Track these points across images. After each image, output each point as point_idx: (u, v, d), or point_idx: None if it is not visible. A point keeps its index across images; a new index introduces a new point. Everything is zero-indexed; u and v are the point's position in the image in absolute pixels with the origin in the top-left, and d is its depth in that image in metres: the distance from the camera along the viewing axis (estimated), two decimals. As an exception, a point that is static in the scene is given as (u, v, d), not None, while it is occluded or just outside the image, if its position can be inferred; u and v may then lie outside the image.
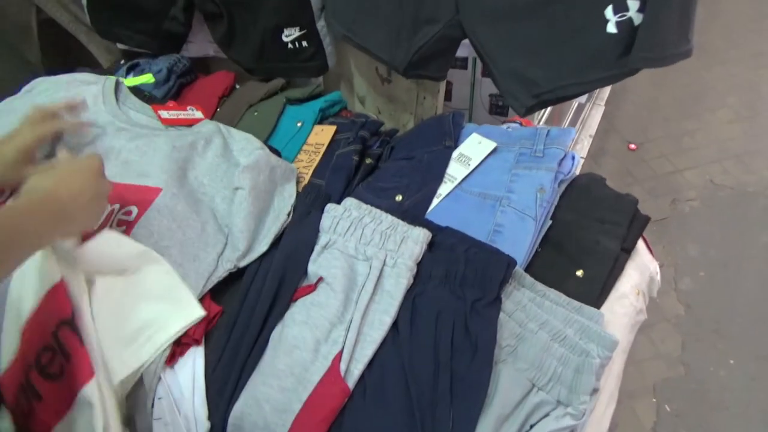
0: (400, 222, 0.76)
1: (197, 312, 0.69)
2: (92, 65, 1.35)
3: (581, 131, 1.69)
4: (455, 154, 0.87)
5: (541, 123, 1.22)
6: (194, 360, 0.69)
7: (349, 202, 0.80)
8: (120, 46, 1.19)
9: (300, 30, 1.02)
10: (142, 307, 0.69)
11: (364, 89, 1.16)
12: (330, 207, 0.79)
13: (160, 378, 0.67)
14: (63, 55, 1.39)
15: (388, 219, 0.77)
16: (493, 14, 0.81)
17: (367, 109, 1.18)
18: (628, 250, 0.77)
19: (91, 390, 0.61)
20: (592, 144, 1.74)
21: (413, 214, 0.80)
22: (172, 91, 1.08)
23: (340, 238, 0.76)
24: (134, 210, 0.77)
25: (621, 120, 2.26)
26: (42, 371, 0.63)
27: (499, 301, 0.67)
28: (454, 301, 0.67)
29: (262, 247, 0.77)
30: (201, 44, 1.19)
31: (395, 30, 0.91)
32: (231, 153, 0.85)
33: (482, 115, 1.18)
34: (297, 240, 0.76)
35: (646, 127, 2.22)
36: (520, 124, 0.93)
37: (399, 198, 0.84)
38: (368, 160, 0.93)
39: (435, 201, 0.83)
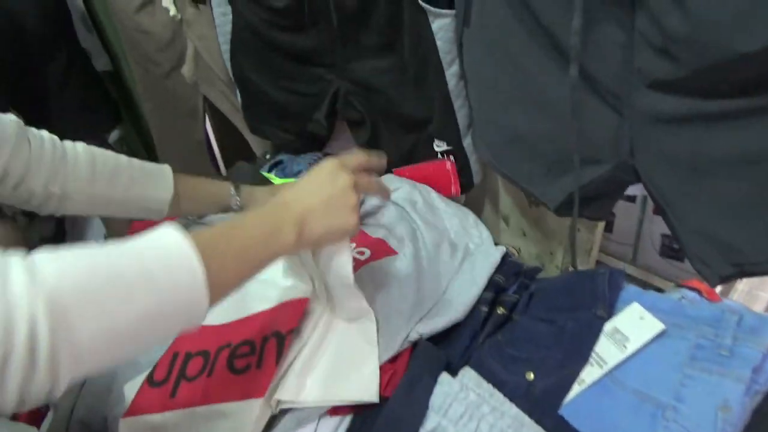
0: (527, 419, 0.62)
1: (372, 397, 0.66)
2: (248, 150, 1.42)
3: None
4: (608, 327, 0.70)
5: (733, 295, 0.98)
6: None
7: (468, 376, 0.68)
8: (270, 138, 1.22)
9: (447, 145, 0.93)
10: (329, 356, 0.69)
11: (509, 208, 1.03)
12: (445, 379, 0.68)
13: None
14: (231, 137, 1.48)
15: (512, 412, 0.63)
16: (680, 164, 0.65)
17: (510, 229, 1.05)
18: None
19: (248, 407, 0.63)
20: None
21: (546, 403, 0.65)
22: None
23: (451, 426, 0.63)
24: (366, 252, 0.80)
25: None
26: (231, 357, 0.67)
27: None
28: None
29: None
30: (345, 142, 1.17)
31: (547, 165, 0.78)
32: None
33: (650, 257, 0.98)
34: (400, 418, 0.66)
35: None
36: (700, 293, 0.74)
37: (530, 376, 0.69)
38: (500, 310, 0.79)
39: (576, 388, 0.67)
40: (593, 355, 0.68)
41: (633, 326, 0.69)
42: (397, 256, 0.81)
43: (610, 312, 0.71)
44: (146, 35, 1.25)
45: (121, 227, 1.75)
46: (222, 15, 1.00)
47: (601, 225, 0.89)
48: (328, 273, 0.68)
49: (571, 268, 0.98)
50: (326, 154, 1.14)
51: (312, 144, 1.13)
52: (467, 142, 0.93)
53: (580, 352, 0.69)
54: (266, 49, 0.99)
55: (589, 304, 0.72)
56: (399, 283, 0.77)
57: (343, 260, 0.66)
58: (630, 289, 0.74)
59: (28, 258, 0.40)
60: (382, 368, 0.69)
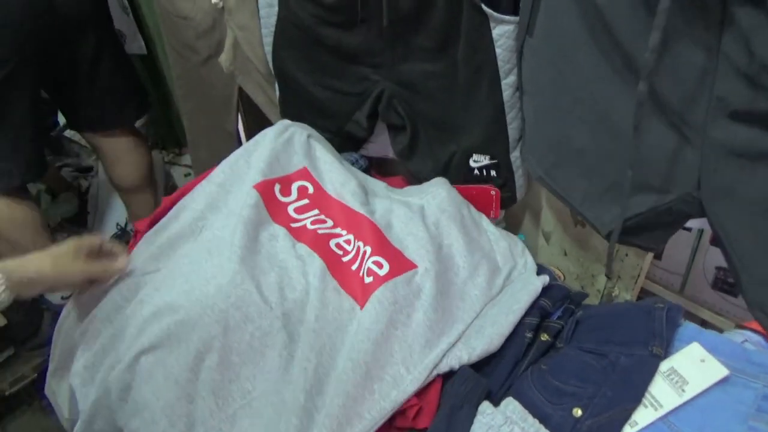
0: (576, 461, 0.57)
1: None
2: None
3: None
4: (664, 367, 0.66)
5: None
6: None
7: (512, 408, 0.64)
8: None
9: (491, 159, 0.89)
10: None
11: (551, 225, 0.99)
12: (487, 410, 0.64)
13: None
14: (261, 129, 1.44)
15: (560, 452, 0.59)
16: (753, 205, 0.60)
17: (551, 248, 1.01)
18: None
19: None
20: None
21: (594, 443, 0.61)
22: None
23: (493, 462, 0.60)
24: (385, 265, 0.74)
25: None
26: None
27: None
28: None
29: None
30: (382, 145, 1.13)
31: (605, 187, 0.73)
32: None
33: (700, 288, 0.93)
34: (439, 449, 0.62)
35: None
36: (766, 338, 0.69)
37: (578, 413, 0.65)
38: (544, 336, 0.75)
39: (627, 430, 0.63)
40: (647, 395, 0.64)
41: (693, 368, 0.64)
42: (417, 270, 0.74)
43: (667, 350, 0.67)
44: (186, 21, 1.22)
45: (144, 214, 1.74)
46: (268, 6, 0.96)
47: (651, 253, 0.85)
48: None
49: (615, 292, 0.94)
50: (362, 156, 1.11)
51: (348, 144, 1.09)
52: (514, 156, 0.89)
53: (634, 391, 0.65)
54: (311, 45, 0.95)
55: (644, 339, 0.68)
56: (422, 305, 0.71)
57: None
58: (688, 326, 0.69)
59: None
60: (406, 403, 0.65)
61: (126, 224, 1.85)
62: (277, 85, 1.09)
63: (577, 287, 0.97)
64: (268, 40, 1.00)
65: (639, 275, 0.87)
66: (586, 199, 0.77)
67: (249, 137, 1.56)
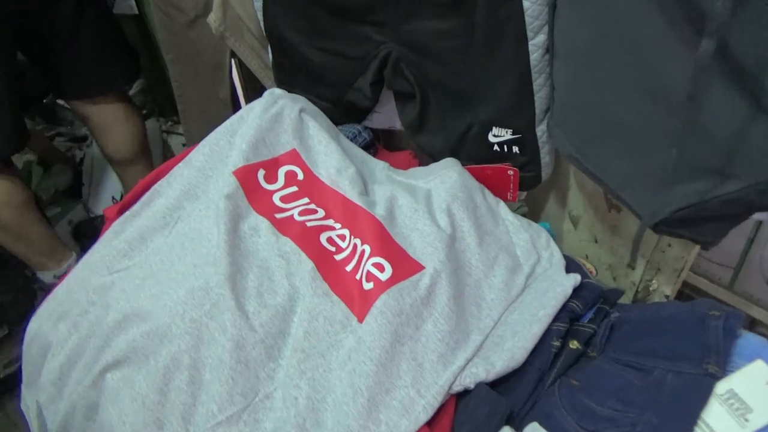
0: None
1: None
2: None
3: None
4: (722, 389, 0.55)
5: None
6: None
7: (538, 436, 0.54)
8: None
9: (513, 134, 0.76)
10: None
11: (581, 209, 0.87)
12: (508, 438, 0.54)
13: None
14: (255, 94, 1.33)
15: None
16: None
17: (578, 234, 0.89)
18: None
19: None
20: None
21: (637, 480, 0.51)
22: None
23: (516, 505, 0.50)
24: (387, 268, 0.63)
25: None
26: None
27: None
28: None
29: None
30: (388, 116, 1.01)
31: (651, 168, 0.61)
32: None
33: (753, 283, 0.81)
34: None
35: None
36: None
37: (617, 442, 0.55)
38: (573, 344, 0.65)
39: (676, 466, 0.52)
40: (701, 424, 0.53)
41: (758, 393, 0.53)
42: (424, 272, 0.63)
43: (725, 367, 0.56)
44: (169, -24, 1.10)
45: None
46: (256, -43, 0.83)
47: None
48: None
49: (653, 286, 0.82)
50: (366, 128, 0.99)
51: (350, 115, 0.97)
52: (540, 130, 0.76)
53: (684, 418, 0.54)
54: (304, 1, 0.82)
55: (696, 354, 0.57)
56: (431, 314, 0.61)
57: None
58: (750, 338, 0.58)
59: None
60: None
61: (122, 197, 1.76)
62: (269, 48, 0.97)
63: (608, 279, 0.86)
64: (257, -4, 0.87)
65: (683, 268, 0.76)
66: (628, 181, 0.65)
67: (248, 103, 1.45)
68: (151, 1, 1.25)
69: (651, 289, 0.81)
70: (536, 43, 0.67)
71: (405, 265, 0.64)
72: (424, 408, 0.55)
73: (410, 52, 0.79)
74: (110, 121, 1.45)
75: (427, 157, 0.91)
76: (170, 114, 2.00)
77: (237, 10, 1.04)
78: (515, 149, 0.78)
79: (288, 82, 0.99)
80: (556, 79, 0.69)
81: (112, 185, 1.83)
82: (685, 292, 0.83)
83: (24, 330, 0.73)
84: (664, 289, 0.79)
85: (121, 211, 0.76)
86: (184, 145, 1.91)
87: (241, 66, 1.21)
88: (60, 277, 1.53)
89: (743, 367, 0.55)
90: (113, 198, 1.79)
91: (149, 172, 1.64)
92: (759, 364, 0.55)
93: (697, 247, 0.74)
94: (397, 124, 1.02)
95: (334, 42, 0.86)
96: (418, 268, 0.64)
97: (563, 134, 0.71)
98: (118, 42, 1.38)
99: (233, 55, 1.19)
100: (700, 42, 0.50)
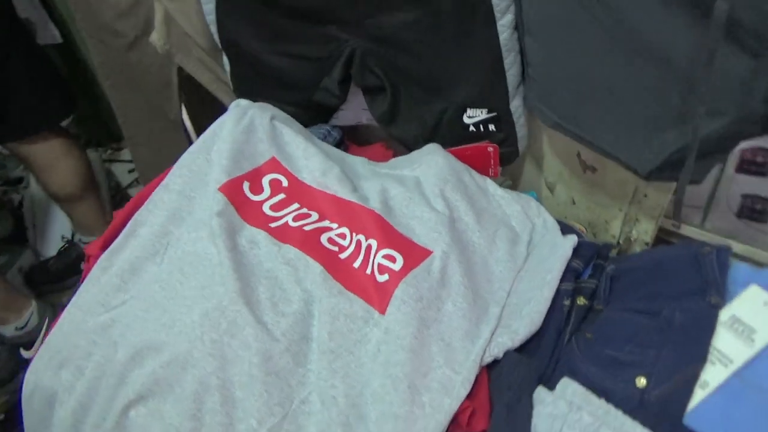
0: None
1: None
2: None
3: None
4: (725, 317, 0.60)
5: None
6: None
7: (572, 390, 0.57)
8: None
9: (488, 113, 0.79)
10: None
11: (555, 174, 0.91)
12: (546, 398, 0.57)
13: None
14: (208, 114, 1.29)
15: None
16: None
17: (555, 198, 0.93)
18: None
19: None
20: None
21: (667, 413, 0.55)
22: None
23: (568, 458, 0.53)
24: (398, 258, 0.64)
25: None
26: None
27: None
28: None
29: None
30: (354, 111, 1.01)
31: (643, 120, 0.65)
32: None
33: (723, 218, 0.88)
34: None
35: None
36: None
37: (642, 382, 0.58)
38: (581, 300, 0.68)
39: (699, 392, 0.57)
40: (713, 351, 0.58)
41: (757, 314, 0.58)
42: (434, 255, 0.65)
43: (725, 297, 0.61)
44: (102, 0, 1.05)
45: (91, 222, 1.57)
46: (202, -33, 0.82)
47: (673, 186, 0.78)
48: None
49: (633, 236, 0.88)
50: (335, 127, 0.99)
51: (320, 116, 0.97)
52: (514, 105, 0.79)
53: (697, 349, 0.58)
54: (262, 7, 0.81)
55: (699, 289, 0.62)
56: (449, 294, 0.63)
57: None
58: (739, 267, 0.63)
59: None
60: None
61: (73, 235, 1.68)
62: (226, 59, 0.95)
63: (589, 236, 0.91)
64: (209, 8, 0.85)
65: (660, 215, 0.81)
66: (620, 138, 0.68)
67: (195, 124, 1.41)
68: (81, 28, 1.19)
69: (632, 239, 0.86)
70: (504, 23, 0.70)
71: (414, 253, 0.65)
72: (462, 383, 0.57)
73: (377, 47, 0.80)
74: (51, 159, 1.38)
75: (401, 146, 0.93)
76: (107, 142, 1.92)
77: (182, 25, 1.01)
78: (491, 127, 0.81)
79: (249, 92, 0.97)
80: (531, 56, 0.72)
81: (58, 224, 1.74)
82: (661, 237, 0.89)
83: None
84: (644, 237, 0.85)
85: (104, 247, 0.73)
86: (130, 171, 1.84)
87: (189, 83, 1.18)
88: (21, 329, 1.45)
89: (740, 293, 0.61)
90: (63, 237, 1.70)
91: (99, 205, 1.58)
92: (754, 288, 0.60)
93: (671, 193, 0.80)
94: (364, 119, 1.03)
95: (296, 45, 0.86)
96: (426, 253, 0.66)
97: (544, 106, 0.74)
98: (49, 74, 1.32)
99: (180, 72, 1.15)
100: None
